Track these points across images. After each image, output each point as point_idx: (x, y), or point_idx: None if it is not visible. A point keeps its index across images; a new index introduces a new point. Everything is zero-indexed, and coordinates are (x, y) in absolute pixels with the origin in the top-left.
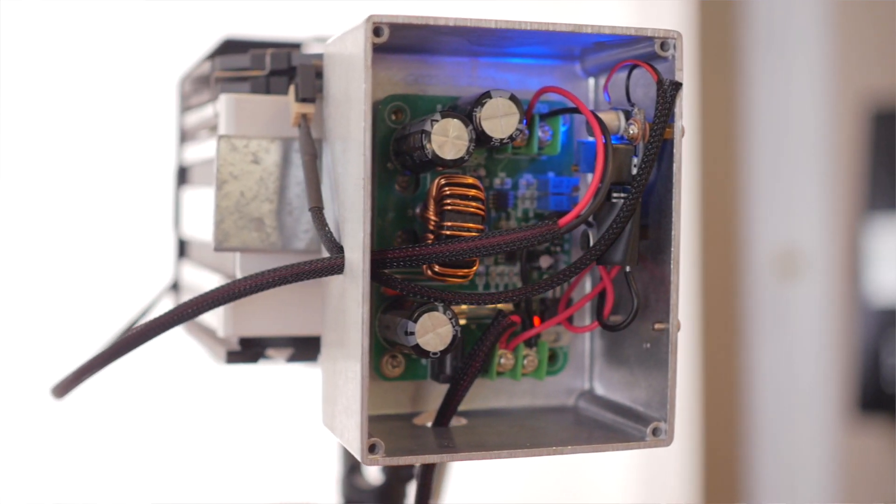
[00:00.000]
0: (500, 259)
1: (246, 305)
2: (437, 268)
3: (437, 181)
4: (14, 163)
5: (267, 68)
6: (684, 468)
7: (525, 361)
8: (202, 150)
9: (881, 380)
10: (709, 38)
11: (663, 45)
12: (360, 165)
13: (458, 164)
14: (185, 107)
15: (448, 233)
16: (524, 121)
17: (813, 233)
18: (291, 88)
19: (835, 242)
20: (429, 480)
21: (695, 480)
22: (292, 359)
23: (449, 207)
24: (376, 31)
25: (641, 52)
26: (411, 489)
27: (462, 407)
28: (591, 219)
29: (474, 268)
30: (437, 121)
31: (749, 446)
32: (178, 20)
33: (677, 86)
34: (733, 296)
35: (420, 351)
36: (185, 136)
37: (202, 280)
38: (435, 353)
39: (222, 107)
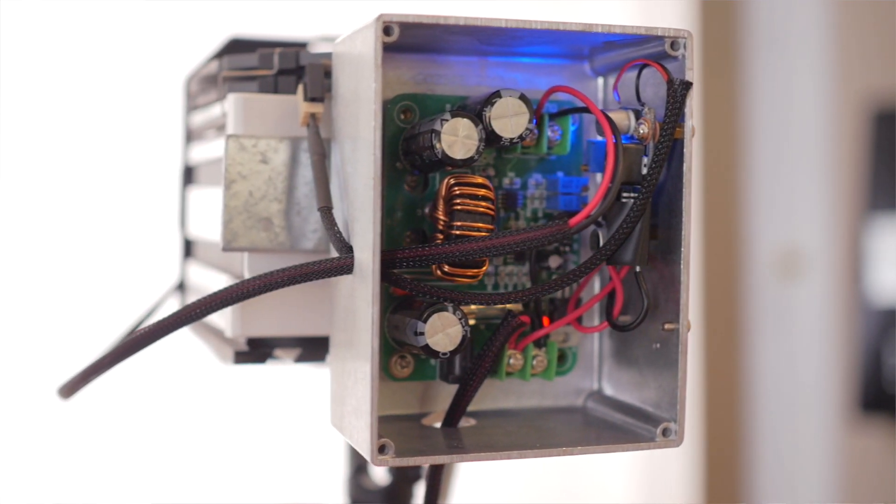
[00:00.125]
0: (509, 259)
1: (254, 305)
2: (446, 268)
3: (446, 181)
4: (20, 162)
5: (275, 68)
6: (686, 468)
7: (534, 362)
8: (209, 150)
9: (882, 380)
10: (710, 38)
11: (673, 45)
12: (370, 165)
13: (467, 164)
14: (192, 106)
15: (458, 233)
16: (534, 120)
17: (814, 233)
18: (300, 88)
19: (836, 242)
20: (437, 481)
21: (696, 480)
22: (300, 359)
23: (459, 207)
24: (386, 31)
25: (651, 51)
26: (418, 490)
27: (471, 407)
28: (600, 219)
29: (484, 268)
30: (446, 120)
31: (750, 446)
32: (181, 20)
33: (688, 85)
34: (734, 296)
35: (429, 351)
36: (191, 136)
37: (209, 280)
38: (444, 354)
39: (231, 106)
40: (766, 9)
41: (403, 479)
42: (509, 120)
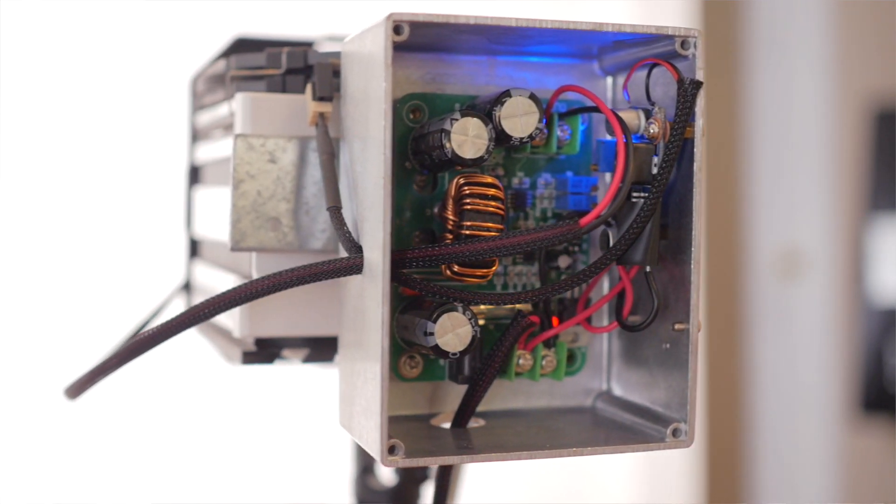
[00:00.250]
0: (518, 259)
1: (262, 305)
2: (455, 268)
3: (456, 180)
4: (25, 163)
5: (283, 67)
6: (687, 468)
7: (544, 362)
8: (216, 150)
9: (884, 380)
10: (711, 38)
11: (683, 44)
12: (379, 165)
13: (477, 164)
14: (198, 106)
15: (468, 232)
16: (544, 120)
17: (815, 233)
18: (308, 87)
19: (837, 242)
20: (446, 482)
21: (697, 480)
22: (308, 359)
23: (468, 207)
24: (396, 30)
25: (660, 50)
26: (425, 490)
27: (480, 408)
28: (611, 219)
29: (493, 268)
30: (456, 119)
31: (752, 446)
32: (186, 20)
33: (698, 84)
34: (736, 296)
35: (439, 351)
36: (197, 136)
37: (217, 280)
38: (454, 354)
39: (238, 106)
40: (767, 9)
41: (410, 479)
42: (519, 119)
